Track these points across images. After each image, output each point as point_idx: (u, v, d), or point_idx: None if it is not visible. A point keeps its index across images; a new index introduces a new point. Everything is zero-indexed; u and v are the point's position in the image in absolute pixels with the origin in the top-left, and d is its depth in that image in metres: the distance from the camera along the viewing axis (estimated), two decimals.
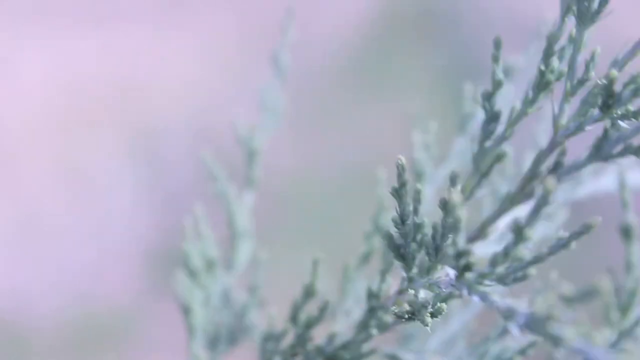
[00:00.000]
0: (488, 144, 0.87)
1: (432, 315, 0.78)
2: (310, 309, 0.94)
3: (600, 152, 0.83)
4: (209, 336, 1.03)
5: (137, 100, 3.02)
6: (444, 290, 0.75)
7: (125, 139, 2.96)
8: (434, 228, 0.81)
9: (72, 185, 2.94)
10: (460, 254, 0.67)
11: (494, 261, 0.68)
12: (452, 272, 0.70)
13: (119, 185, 2.91)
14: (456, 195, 0.72)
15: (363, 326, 0.91)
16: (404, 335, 1.02)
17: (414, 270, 0.81)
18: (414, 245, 0.81)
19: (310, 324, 0.94)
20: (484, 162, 0.88)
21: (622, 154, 0.83)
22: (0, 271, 2.78)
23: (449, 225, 0.78)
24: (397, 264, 0.89)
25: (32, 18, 3.33)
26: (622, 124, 0.78)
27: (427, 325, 0.77)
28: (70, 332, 2.63)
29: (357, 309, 1.00)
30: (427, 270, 0.80)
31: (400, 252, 0.82)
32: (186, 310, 1.03)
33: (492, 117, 0.86)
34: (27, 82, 3.17)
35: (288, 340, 0.96)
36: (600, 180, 1.05)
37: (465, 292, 0.69)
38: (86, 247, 2.83)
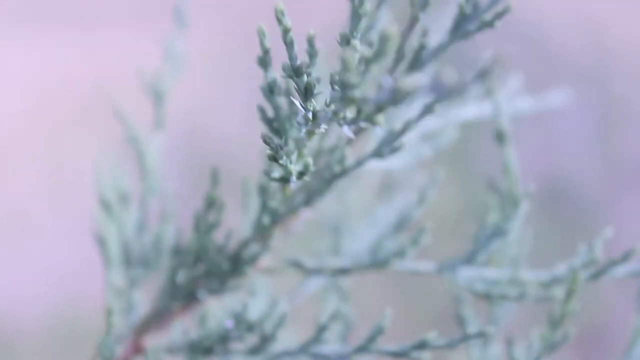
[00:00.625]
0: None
1: (304, 169, 0.78)
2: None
3: (459, 29, 0.85)
4: (124, 264, 1.03)
5: (124, 103, 3.02)
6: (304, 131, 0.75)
7: (110, 143, 2.96)
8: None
9: (59, 187, 2.93)
10: (296, 71, 0.67)
11: (331, 82, 0.69)
12: (299, 104, 0.71)
13: None
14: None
15: (258, 221, 0.92)
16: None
17: (287, 141, 0.82)
18: (284, 113, 0.82)
19: (210, 229, 0.94)
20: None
21: (479, 28, 0.85)
22: None
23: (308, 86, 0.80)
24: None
25: (15, 22, 3.35)
26: None
27: (292, 180, 0.77)
28: (58, 335, 2.60)
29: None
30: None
31: (273, 126, 0.83)
32: (101, 242, 1.04)
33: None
34: (14, 84, 3.17)
35: (193, 251, 0.96)
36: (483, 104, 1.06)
37: (310, 115, 0.70)
38: (74, 249, 2.81)
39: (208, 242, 0.95)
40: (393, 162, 1.02)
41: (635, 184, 2.73)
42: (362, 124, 0.64)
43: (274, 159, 0.75)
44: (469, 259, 0.95)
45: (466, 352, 0.98)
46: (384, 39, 0.56)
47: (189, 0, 1.08)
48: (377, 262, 0.96)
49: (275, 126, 0.83)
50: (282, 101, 0.82)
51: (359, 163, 0.88)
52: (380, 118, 0.61)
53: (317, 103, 0.70)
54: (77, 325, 2.58)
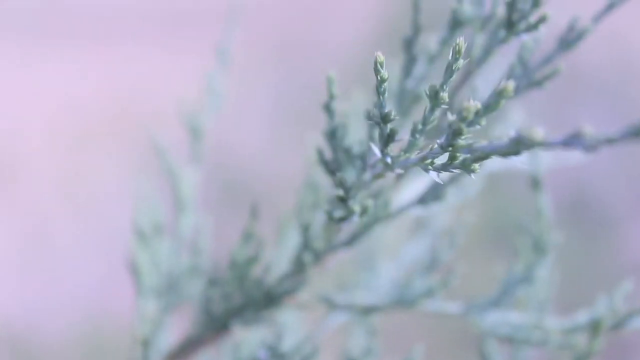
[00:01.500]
0: (408, 84, 0.87)
1: (363, 211, 0.76)
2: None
3: None
4: (157, 294, 1.00)
5: (142, 119, 2.95)
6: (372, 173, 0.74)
7: (132, 156, 2.88)
8: (361, 142, 0.81)
9: (80, 204, 2.86)
10: (384, 118, 0.66)
11: (413, 130, 0.67)
12: (377, 149, 0.69)
13: (127, 201, 2.82)
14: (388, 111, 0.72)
15: (298, 258, 0.90)
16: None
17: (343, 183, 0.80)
18: (342, 157, 0.80)
19: (248, 263, 0.92)
20: (404, 102, 0.88)
21: (527, 87, 0.84)
22: (11, 289, 2.68)
23: (376, 137, 0.79)
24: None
25: (39, 40, 3.29)
26: (525, 37, 0.78)
27: (354, 216, 0.75)
28: (80, 349, 2.52)
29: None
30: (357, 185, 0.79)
31: (329, 167, 0.81)
32: (135, 271, 1.01)
33: (411, 59, 0.86)
34: (35, 102, 3.11)
35: (230, 283, 0.94)
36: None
37: (389, 161, 0.68)
38: (95, 265, 2.73)
39: (246, 275, 0.92)
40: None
41: None
42: (454, 171, 0.62)
43: (342, 200, 0.73)
44: (495, 303, 0.93)
45: None
46: (499, 94, 0.55)
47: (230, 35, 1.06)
48: (406, 302, 0.94)
49: (332, 168, 0.81)
50: (340, 144, 0.80)
51: (403, 210, 0.86)
52: (477, 166, 0.60)
53: (393, 148, 0.68)
54: (100, 337, 2.51)
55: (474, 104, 0.57)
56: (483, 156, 0.59)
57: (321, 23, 3.30)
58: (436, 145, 0.62)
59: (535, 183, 0.96)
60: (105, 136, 2.99)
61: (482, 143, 0.58)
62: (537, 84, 0.83)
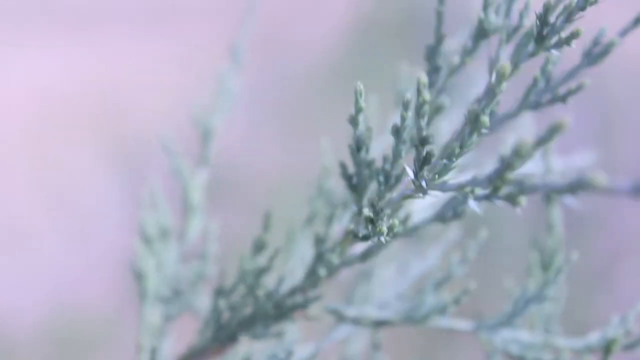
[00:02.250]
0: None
1: (389, 230, 0.71)
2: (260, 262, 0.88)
3: (529, 100, 0.80)
4: (161, 301, 0.95)
5: (121, 111, 2.86)
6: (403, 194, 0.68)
7: (108, 150, 2.80)
8: (385, 158, 0.76)
9: (54, 197, 2.77)
10: (423, 140, 0.60)
11: (450, 154, 0.62)
12: (410, 171, 0.64)
13: (102, 196, 2.74)
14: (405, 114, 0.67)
15: (311, 271, 0.85)
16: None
17: (364, 201, 0.76)
18: (366, 172, 0.75)
19: (259, 273, 0.87)
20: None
21: (551, 102, 0.80)
22: None
23: (398, 152, 0.73)
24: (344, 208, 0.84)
25: (18, 29, 3.20)
26: (555, 52, 0.73)
27: (381, 243, 0.70)
28: (52, 342, 2.45)
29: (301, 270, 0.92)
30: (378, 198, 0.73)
31: (352, 182, 0.76)
32: (139, 276, 0.95)
33: (434, 69, 0.81)
34: (9, 92, 3.02)
35: (239, 293, 0.88)
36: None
37: (424, 184, 0.63)
38: (69, 258, 2.66)
39: (257, 286, 0.87)
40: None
41: None
42: (496, 202, 0.57)
43: (371, 221, 0.68)
44: (507, 322, 0.89)
45: None
46: (553, 130, 0.50)
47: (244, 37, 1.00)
48: (417, 317, 0.89)
49: (354, 182, 0.76)
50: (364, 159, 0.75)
51: (421, 226, 0.82)
52: (523, 199, 0.55)
53: (428, 171, 0.63)
54: (72, 332, 2.44)
55: (529, 141, 0.52)
56: (524, 190, 0.54)
57: (297, 17, 3.23)
58: (482, 176, 0.57)
59: (548, 197, 0.91)
60: (82, 128, 2.90)
61: (533, 180, 0.54)
62: (561, 99, 0.79)
